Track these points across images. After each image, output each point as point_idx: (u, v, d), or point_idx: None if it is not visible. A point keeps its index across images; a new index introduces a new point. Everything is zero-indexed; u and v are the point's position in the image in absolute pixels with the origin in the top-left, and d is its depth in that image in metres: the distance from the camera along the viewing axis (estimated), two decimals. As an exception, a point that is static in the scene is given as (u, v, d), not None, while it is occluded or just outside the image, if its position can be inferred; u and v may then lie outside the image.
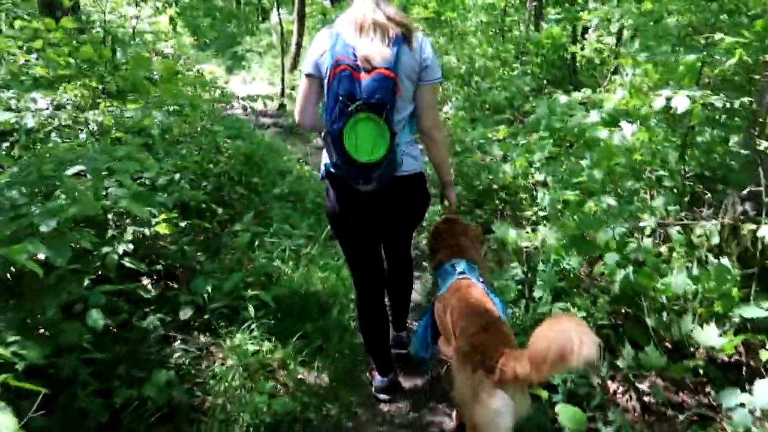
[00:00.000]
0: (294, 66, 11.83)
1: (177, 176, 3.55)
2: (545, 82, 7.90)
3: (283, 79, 10.84)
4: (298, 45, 11.57)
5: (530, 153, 4.37)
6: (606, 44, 7.26)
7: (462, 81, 8.39)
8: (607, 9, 5.46)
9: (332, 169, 2.17)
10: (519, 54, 9.25)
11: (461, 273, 2.28)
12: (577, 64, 8.11)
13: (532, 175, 4.32)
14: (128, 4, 11.54)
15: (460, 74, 8.72)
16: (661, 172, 3.49)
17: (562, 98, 4.50)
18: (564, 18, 6.51)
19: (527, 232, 3.54)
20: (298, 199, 4.72)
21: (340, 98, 1.97)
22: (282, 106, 10.80)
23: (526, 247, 3.30)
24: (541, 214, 3.95)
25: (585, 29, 8.07)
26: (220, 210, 4.02)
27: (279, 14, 10.34)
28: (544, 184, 4.47)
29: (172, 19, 9.28)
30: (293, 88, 11.54)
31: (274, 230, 3.83)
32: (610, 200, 3.12)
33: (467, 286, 2.20)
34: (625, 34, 6.49)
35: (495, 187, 4.52)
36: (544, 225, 3.55)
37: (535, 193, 4.34)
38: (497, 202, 4.51)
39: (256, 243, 3.61)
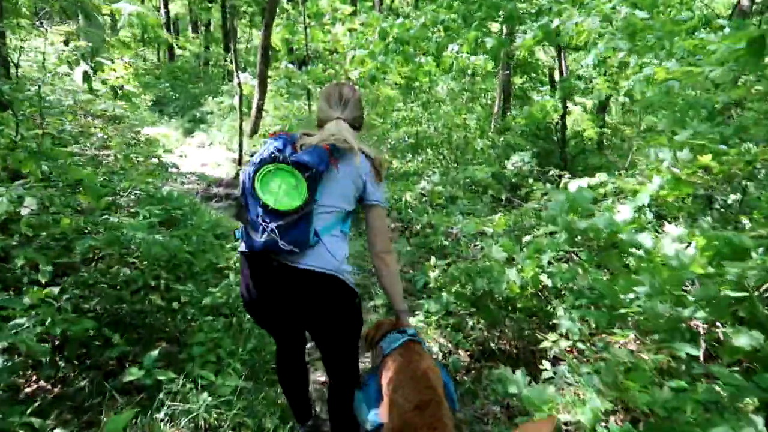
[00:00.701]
0: (254, 131, 10.88)
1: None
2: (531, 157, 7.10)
3: (241, 145, 9.84)
4: (259, 109, 10.68)
5: (540, 252, 3.38)
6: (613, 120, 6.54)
7: (437, 152, 7.52)
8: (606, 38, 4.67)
9: (245, 236, 2.05)
10: (495, 124, 8.54)
11: (413, 335, 2.22)
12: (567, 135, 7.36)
13: (545, 287, 3.30)
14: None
15: (436, 144, 7.89)
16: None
17: (575, 183, 3.56)
18: (562, 87, 5.71)
19: (560, 393, 2.45)
20: (235, 310, 3.55)
21: (268, 153, 2.02)
22: (238, 175, 9.73)
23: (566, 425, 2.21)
24: (566, 345, 2.90)
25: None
26: (117, 337, 2.83)
27: (238, 75, 9.46)
28: (558, 295, 3.45)
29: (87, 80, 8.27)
30: (253, 155, 10.55)
31: (188, 373, 2.65)
32: (691, 349, 2.08)
33: (416, 352, 2.13)
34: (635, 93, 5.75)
35: (498, 297, 3.47)
36: (581, 378, 2.49)
37: (552, 309, 3.30)
38: (504, 320, 3.44)
39: (156, 403, 2.41)
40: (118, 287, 3.02)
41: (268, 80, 11.40)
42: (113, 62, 11.84)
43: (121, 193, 4.10)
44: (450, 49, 5.83)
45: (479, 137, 8.31)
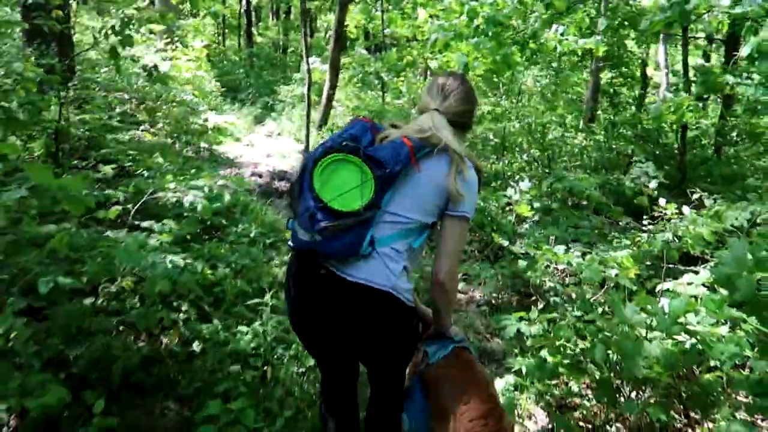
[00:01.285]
0: (324, 121, 10.20)
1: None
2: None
3: (307, 136, 9.15)
4: (329, 98, 9.97)
5: (693, 311, 2.35)
6: None
7: (526, 154, 6.44)
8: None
9: (293, 234, 1.78)
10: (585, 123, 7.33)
11: (461, 341, 2.05)
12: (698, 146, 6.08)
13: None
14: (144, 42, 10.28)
15: (524, 144, 6.81)
16: None
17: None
18: (702, 81, 4.45)
19: None
20: (272, 357, 2.76)
21: (340, 140, 1.77)
22: (304, 168, 9.06)
23: None
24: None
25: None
26: (101, 404, 2.09)
27: (308, 61, 8.75)
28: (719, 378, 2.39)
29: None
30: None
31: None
32: None
33: (469, 360, 2.01)
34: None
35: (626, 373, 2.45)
36: None
37: (710, 398, 2.26)
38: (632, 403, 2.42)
39: None
40: (112, 331, 2.30)
41: (341, 68, 10.68)
42: (187, 46, 11.56)
43: (144, 198, 3.40)
44: (554, 30, 4.76)
45: (576, 138, 7.14)
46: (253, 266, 3.40)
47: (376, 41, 12.76)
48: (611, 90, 18.08)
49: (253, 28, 26.80)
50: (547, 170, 6.13)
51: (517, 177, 5.95)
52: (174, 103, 8.00)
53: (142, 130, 4.62)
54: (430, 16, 10.63)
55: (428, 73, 12.90)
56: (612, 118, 6.66)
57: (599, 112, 9.69)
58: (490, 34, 4.65)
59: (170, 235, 2.65)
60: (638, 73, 19.08)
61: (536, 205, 5.18)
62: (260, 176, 8.77)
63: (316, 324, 1.82)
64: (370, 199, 1.70)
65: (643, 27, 6.08)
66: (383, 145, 1.80)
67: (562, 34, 4.67)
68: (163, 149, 4.40)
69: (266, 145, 11.64)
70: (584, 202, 5.00)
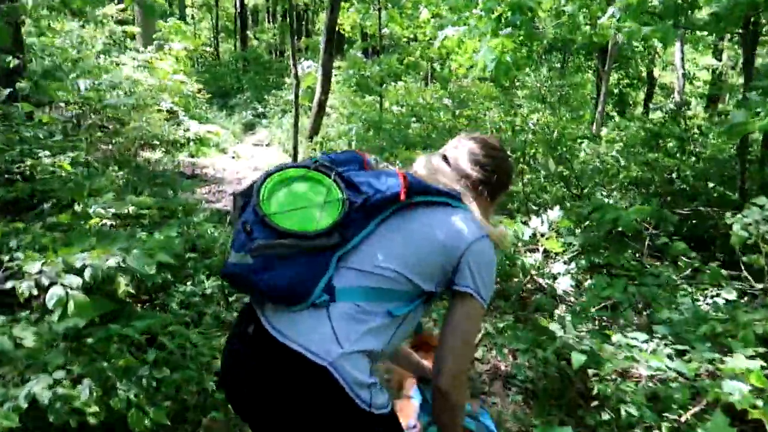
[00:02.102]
0: (315, 131, 9.22)
1: None
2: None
3: (295, 148, 8.15)
4: (321, 105, 8.99)
5: None
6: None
7: (552, 175, 5.47)
8: None
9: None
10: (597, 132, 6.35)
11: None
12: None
13: None
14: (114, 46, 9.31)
15: (547, 158, 5.82)
16: None
17: None
18: None
19: None
20: None
21: (311, 159, 1.40)
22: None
23: None
24: None
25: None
26: None
27: (296, 65, 7.77)
28: None
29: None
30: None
31: None
32: None
33: None
34: None
35: None
36: None
37: None
38: None
39: None
40: None
41: (334, 72, 9.71)
42: (167, 50, 10.59)
43: None
44: (610, 14, 3.78)
45: (599, 148, 6.15)
46: (191, 374, 2.29)
47: (373, 43, 11.79)
48: (616, 91, 17.19)
49: (248, 31, 25.94)
50: (575, 191, 5.14)
51: (538, 200, 4.96)
52: (141, 113, 7.05)
53: (75, 152, 3.66)
54: (433, 15, 9.68)
55: (430, 76, 11.94)
56: (650, 124, 5.65)
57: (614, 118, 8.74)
58: (518, 23, 3.68)
59: (40, 339, 1.68)
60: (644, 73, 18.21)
61: (570, 240, 4.19)
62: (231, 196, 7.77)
63: (237, 394, 1.32)
64: (331, 224, 1.25)
65: (644, 32, 5.12)
66: (367, 171, 1.41)
67: (618, 20, 3.70)
68: (90, 178, 3.39)
69: (254, 157, 10.69)
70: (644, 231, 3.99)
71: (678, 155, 5.01)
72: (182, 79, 10.19)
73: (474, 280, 1.31)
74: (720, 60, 16.75)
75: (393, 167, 1.48)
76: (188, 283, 3.24)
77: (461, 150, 1.51)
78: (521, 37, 3.96)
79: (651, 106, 15.84)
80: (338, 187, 1.30)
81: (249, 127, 14.06)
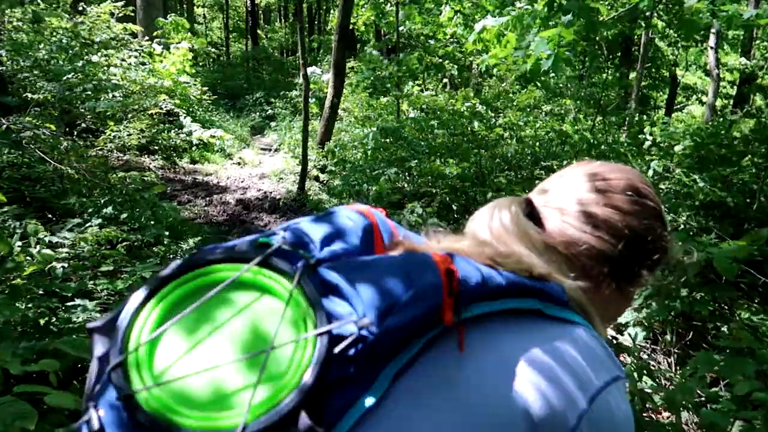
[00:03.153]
0: (327, 136, 8.47)
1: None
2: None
3: (305, 155, 7.41)
4: (333, 108, 8.23)
5: None
6: None
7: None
8: None
9: None
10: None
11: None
12: None
13: None
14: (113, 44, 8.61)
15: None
16: None
17: None
18: None
19: None
20: None
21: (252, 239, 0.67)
22: (302, 195, 7.29)
23: None
24: None
25: None
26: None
27: (305, 65, 7.02)
28: None
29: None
30: (323, 170, 8.11)
31: None
32: None
33: None
34: None
35: None
36: None
37: None
38: None
39: None
40: None
41: (348, 72, 8.95)
42: (168, 48, 9.90)
43: None
44: None
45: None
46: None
47: (390, 41, 11.03)
48: (639, 92, 16.33)
49: (259, 30, 25.30)
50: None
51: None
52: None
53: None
54: (455, 11, 8.91)
55: (449, 79, 11.15)
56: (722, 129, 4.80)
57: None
58: (575, 11, 2.89)
59: None
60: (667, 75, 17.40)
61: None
62: (245, 206, 7.05)
63: None
64: (289, 401, 0.51)
65: (747, 16, 4.31)
66: (377, 259, 0.66)
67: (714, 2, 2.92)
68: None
69: (262, 163, 9.95)
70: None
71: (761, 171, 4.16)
72: (186, 80, 9.50)
73: None
74: (749, 60, 15.85)
75: (438, 236, 0.76)
76: None
77: (565, 193, 0.79)
78: (580, 27, 3.17)
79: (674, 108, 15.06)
80: (307, 303, 0.57)
81: (258, 130, 13.37)
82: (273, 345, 0.54)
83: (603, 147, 4.60)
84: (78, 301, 2.27)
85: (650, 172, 5.03)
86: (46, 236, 2.57)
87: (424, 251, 0.66)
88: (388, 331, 0.56)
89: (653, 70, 16.77)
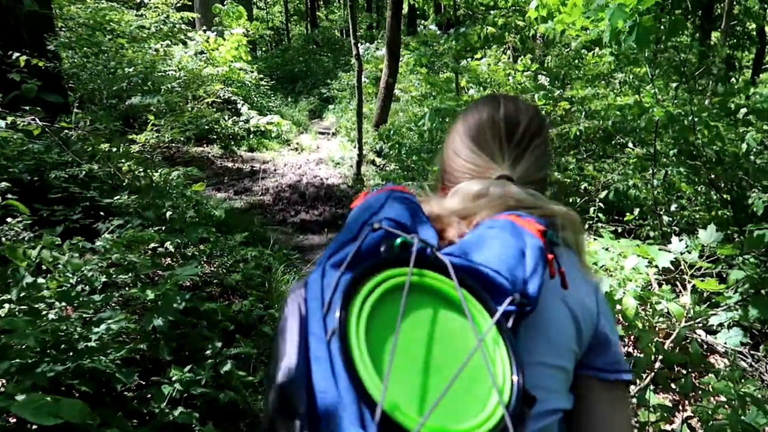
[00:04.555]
0: (383, 118, 8.18)
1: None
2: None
3: (360, 139, 7.16)
4: (389, 88, 7.91)
5: None
6: None
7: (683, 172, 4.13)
8: None
9: None
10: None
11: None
12: None
13: None
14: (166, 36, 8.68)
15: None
16: None
17: None
18: None
19: None
20: None
21: (377, 239, 0.72)
22: (358, 181, 7.07)
23: None
24: None
25: None
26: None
27: (357, 45, 6.73)
28: None
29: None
30: (380, 153, 7.83)
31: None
32: None
33: None
34: None
35: None
36: None
37: None
38: None
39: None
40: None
41: (403, 50, 8.57)
42: (222, 36, 9.89)
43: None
44: None
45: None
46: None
47: (448, 14, 10.50)
48: (722, 52, 14.83)
49: (318, 13, 25.17)
50: (726, 196, 3.76)
51: (677, 216, 3.67)
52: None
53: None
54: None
55: (513, 50, 10.48)
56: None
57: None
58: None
59: None
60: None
61: (735, 274, 2.95)
62: (300, 194, 6.91)
63: None
64: (514, 394, 0.61)
65: None
66: (472, 238, 0.76)
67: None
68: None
69: (320, 149, 9.80)
70: None
71: None
72: (242, 66, 9.48)
73: (619, 353, 0.87)
74: None
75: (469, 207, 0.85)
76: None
77: (528, 157, 0.92)
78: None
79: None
80: (481, 300, 0.66)
81: (316, 113, 13.26)
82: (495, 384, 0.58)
83: (690, 119, 4.03)
84: (107, 312, 2.15)
85: (743, 146, 4.39)
86: (80, 242, 2.48)
87: (504, 217, 0.78)
88: (530, 297, 0.69)
89: (737, 28, 15.15)
